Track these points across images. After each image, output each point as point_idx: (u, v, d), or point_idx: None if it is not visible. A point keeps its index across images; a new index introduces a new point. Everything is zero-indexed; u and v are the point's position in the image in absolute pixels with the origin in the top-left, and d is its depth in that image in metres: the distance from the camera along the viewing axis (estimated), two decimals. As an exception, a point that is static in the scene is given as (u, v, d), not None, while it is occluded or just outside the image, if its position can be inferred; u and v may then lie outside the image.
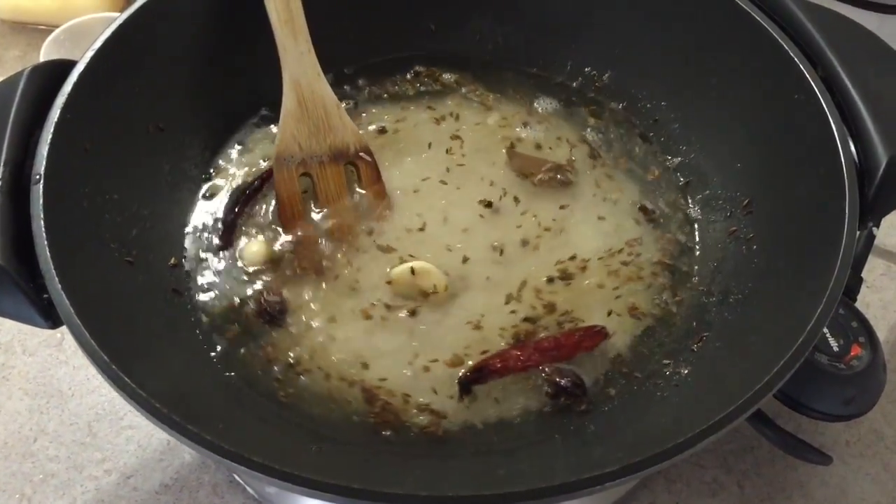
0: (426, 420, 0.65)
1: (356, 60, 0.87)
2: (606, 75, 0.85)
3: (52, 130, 0.62)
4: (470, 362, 0.67)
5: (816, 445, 0.71)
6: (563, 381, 0.66)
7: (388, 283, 0.71)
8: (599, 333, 0.68)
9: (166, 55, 0.74)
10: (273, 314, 0.69)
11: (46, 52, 0.95)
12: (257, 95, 0.81)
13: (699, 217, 0.76)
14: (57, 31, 0.97)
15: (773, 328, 0.60)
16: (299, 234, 0.75)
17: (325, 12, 0.76)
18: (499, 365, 0.66)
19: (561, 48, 0.86)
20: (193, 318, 0.68)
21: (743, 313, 0.66)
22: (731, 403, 0.52)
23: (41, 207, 0.58)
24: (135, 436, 0.77)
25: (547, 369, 0.67)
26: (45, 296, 0.56)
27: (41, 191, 0.59)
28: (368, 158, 0.78)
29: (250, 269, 0.72)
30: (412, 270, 0.70)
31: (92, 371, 0.54)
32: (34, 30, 1.10)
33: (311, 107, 0.76)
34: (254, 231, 0.75)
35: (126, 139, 0.70)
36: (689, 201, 0.78)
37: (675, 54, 0.79)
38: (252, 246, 0.73)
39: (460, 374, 0.67)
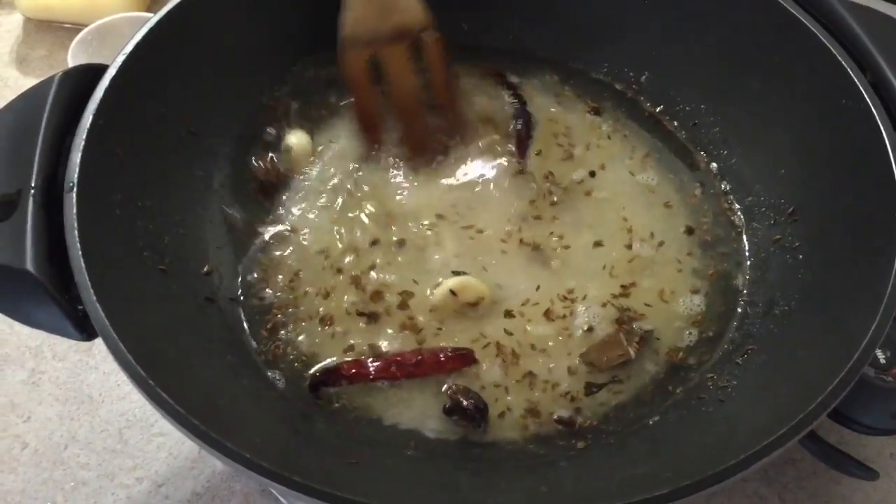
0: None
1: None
2: (644, 77, 0.83)
3: (84, 137, 0.61)
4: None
5: (860, 458, 0.69)
6: (464, 402, 0.64)
7: (431, 310, 0.70)
8: (465, 358, 0.67)
9: (198, 57, 0.73)
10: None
11: (74, 53, 0.94)
12: (295, 97, 0.80)
13: (743, 224, 0.75)
14: (84, 31, 0.96)
15: (823, 343, 0.58)
16: None
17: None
18: (352, 371, 0.66)
19: (595, 49, 0.84)
20: (226, 325, 0.67)
21: (790, 326, 0.64)
22: (782, 423, 0.51)
23: (75, 216, 0.57)
24: (166, 443, 0.76)
25: (454, 385, 0.66)
26: (80, 307, 0.55)
27: (75, 199, 0.58)
28: (435, 35, 0.76)
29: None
30: (452, 292, 0.69)
31: (122, 377, 0.53)
32: (60, 28, 1.10)
33: None
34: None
35: (158, 143, 0.69)
36: (733, 208, 0.76)
37: (714, 56, 0.77)
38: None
39: (310, 372, 0.67)
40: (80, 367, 0.80)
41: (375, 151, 0.77)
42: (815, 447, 0.68)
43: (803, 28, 0.69)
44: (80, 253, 0.55)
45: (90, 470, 0.75)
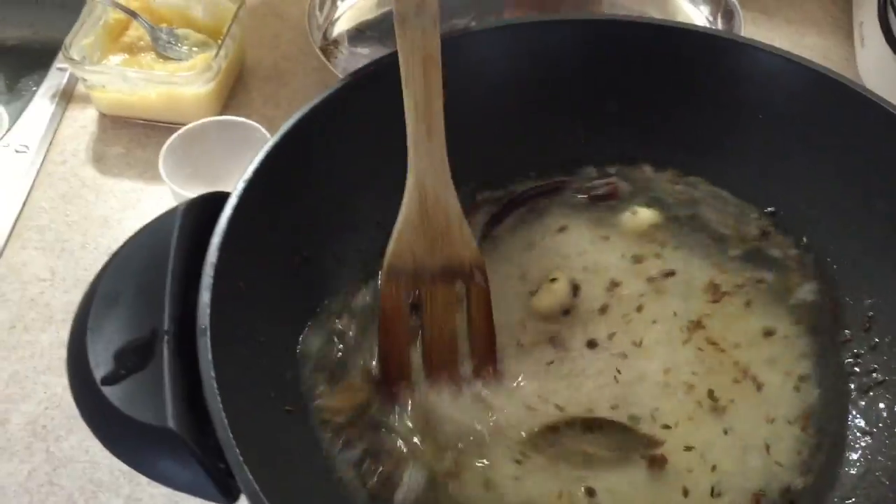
0: None
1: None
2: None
3: (212, 274, 0.59)
4: None
5: None
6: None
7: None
8: None
9: (312, 180, 0.71)
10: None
11: (164, 160, 0.93)
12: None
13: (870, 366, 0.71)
14: (172, 137, 0.95)
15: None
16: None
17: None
18: None
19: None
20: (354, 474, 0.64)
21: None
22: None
23: (211, 363, 0.55)
24: (270, 579, 0.72)
25: None
26: (222, 465, 0.52)
27: (209, 343, 0.56)
28: (482, 282, 0.71)
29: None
30: None
31: (221, 505, 0.51)
32: (135, 125, 1.09)
33: (433, 215, 0.69)
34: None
35: (273, 274, 0.67)
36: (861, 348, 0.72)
37: (834, 175, 0.75)
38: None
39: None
40: (178, 493, 0.77)
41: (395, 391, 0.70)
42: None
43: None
44: (220, 406, 0.53)
45: None
